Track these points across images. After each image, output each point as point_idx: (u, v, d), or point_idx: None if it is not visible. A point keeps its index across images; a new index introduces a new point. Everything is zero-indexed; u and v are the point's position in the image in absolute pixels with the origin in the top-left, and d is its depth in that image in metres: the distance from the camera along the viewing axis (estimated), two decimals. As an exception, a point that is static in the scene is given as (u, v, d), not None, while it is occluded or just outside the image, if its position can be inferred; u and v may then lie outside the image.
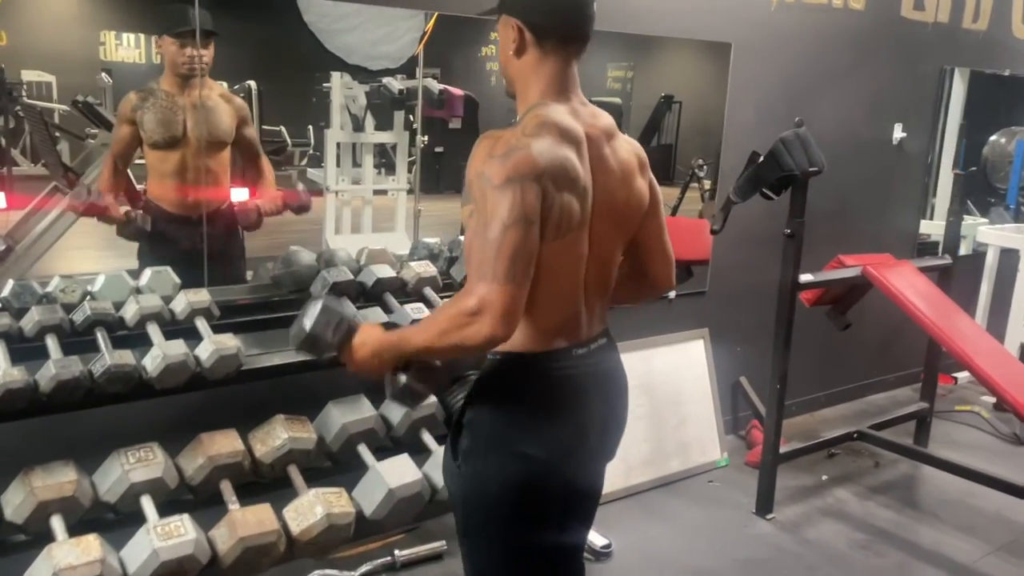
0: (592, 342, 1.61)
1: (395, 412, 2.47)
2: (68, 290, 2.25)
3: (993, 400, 4.54)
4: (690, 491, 3.43)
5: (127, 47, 3.16)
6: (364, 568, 2.69)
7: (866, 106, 4.14)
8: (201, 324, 2.21)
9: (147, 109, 2.56)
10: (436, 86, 3.76)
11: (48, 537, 1.92)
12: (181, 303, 2.22)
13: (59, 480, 1.95)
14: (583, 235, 1.53)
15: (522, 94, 1.58)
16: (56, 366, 1.89)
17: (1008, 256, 4.76)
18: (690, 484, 3.48)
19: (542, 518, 1.58)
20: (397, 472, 2.22)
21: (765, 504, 3.24)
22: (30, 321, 2.04)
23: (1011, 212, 5.51)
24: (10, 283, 2.18)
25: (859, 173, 4.15)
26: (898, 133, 4.34)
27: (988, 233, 4.78)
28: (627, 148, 1.63)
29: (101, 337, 2.08)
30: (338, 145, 3.52)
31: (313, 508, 2.10)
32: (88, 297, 2.25)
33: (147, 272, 2.36)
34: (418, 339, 1.47)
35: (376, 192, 3.60)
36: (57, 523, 1.92)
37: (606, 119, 1.60)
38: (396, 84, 3.57)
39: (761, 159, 2.99)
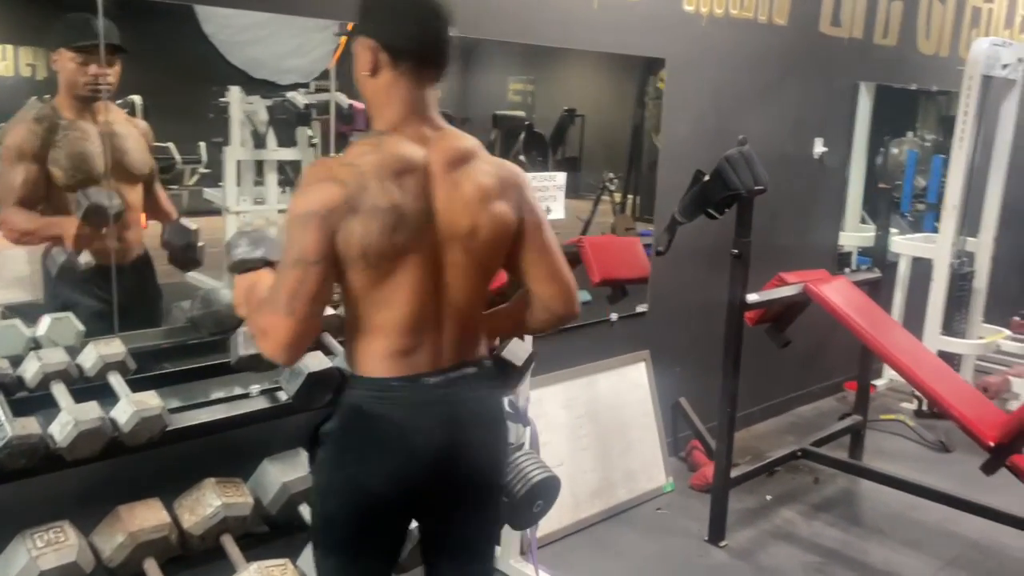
0: (452, 371, 1.59)
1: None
2: (-50, 346, 1.93)
3: (914, 407, 4.65)
4: (640, 520, 3.31)
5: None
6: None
7: (790, 121, 4.16)
8: (115, 380, 1.93)
9: (59, 143, 2.15)
10: (345, 100, 3.58)
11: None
12: (91, 357, 1.93)
13: (-50, 577, 1.65)
14: (408, 263, 1.51)
15: (376, 116, 1.58)
16: (-56, 443, 1.59)
17: (918, 265, 4.90)
18: (639, 513, 3.37)
19: (365, 536, 1.61)
20: (348, 535, 2.00)
21: (717, 531, 3.16)
22: (-94, 389, 1.72)
23: (906, 220, 5.69)
24: None
25: (785, 188, 4.15)
26: (819, 148, 4.38)
27: (901, 244, 4.89)
28: (487, 171, 1.58)
29: (-2, 403, 1.78)
30: (238, 163, 3.27)
31: (256, 585, 1.87)
32: (-25, 352, 1.94)
33: (45, 320, 2.05)
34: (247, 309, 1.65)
35: (282, 211, 3.37)
36: (-52, 629, 1.62)
37: (462, 143, 1.58)
38: (301, 99, 3.35)
39: (706, 178, 2.91)
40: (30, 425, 1.70)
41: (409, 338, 1.54)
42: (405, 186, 1.49)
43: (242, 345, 2.06)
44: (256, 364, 2.06)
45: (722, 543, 3.15)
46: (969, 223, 4.68)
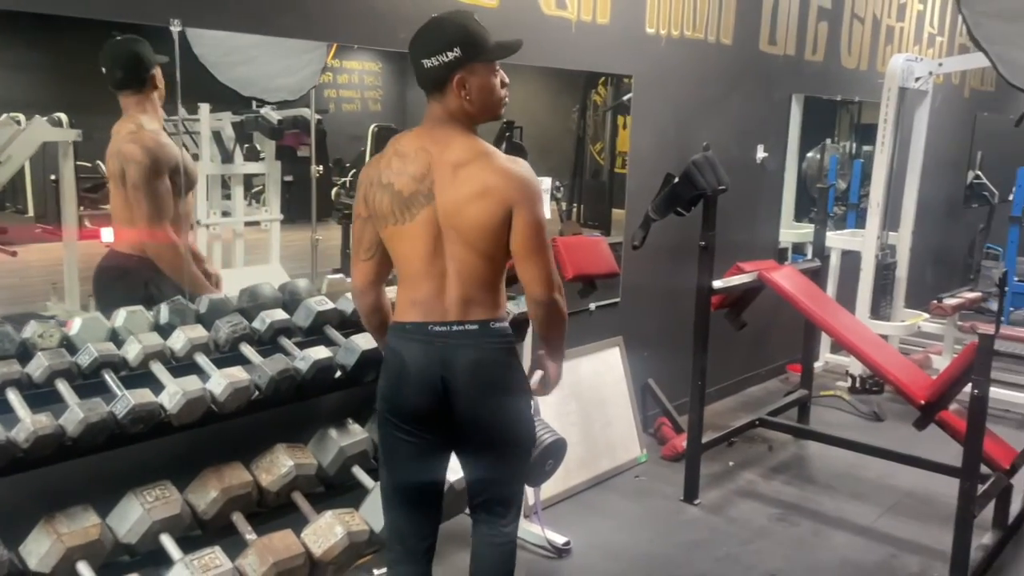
0: (456, 324, 1.99)
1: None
2: (46, 335, 2.18)
3: (848, 385, 5.18)
4: (621, 487, 3.71)
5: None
6: (346, 591, 2.74)
7: (736, 129, 4.64)
8: (202, 359, 2.22)
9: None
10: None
11: (72, 586, 1.89)
12: (180, 340, 2.22)
13: (83, 525, 1.92)
14: (409, 229, 1.96)
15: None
16: (82, 409, 1.87)
17: (847, 257, 5.45)
18: (619, 480, 3.77)
19: (389, 435, 2.09)
20: (402, 488, 2.32)
21: (691, 491, 3.57)
22: (39, 367, 1.99)
23: (831, 219, 6.26)
24: (-13, 331, 2.10)
25: (733, 190, 4.57)
26: (760, 153, 4.88)
27: (833, 238, 5.43)
28: (475, 175, 1.95)
29: (110, 378, 2.05)
30: (207, 177, 3.29)
31: (332, 529, 2.18)
32: (65, 340, 2.21)
33: (121, 313, 2.32)
34: None
35: (248, 224, 3.45)
36: (85, 569, 1.90)
37: (455, 151, 1.97)
38: (274, 115, 3.58)
39: (676, 180, 3.33)
40: (146, 395, 1.98)
41: (419, 290, 1.99)
42: (408, 170, 1.96)
43: None
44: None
45: (696, 501, 3.57)
46: (890, 219, 5.24)
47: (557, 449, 2.85)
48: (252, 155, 3.50)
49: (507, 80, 2.05)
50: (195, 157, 3.03)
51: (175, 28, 2.41)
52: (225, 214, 3.39)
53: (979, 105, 7.24)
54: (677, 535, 3.31)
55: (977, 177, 7.50)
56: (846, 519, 3.48)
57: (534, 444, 2.41)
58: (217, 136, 3.52)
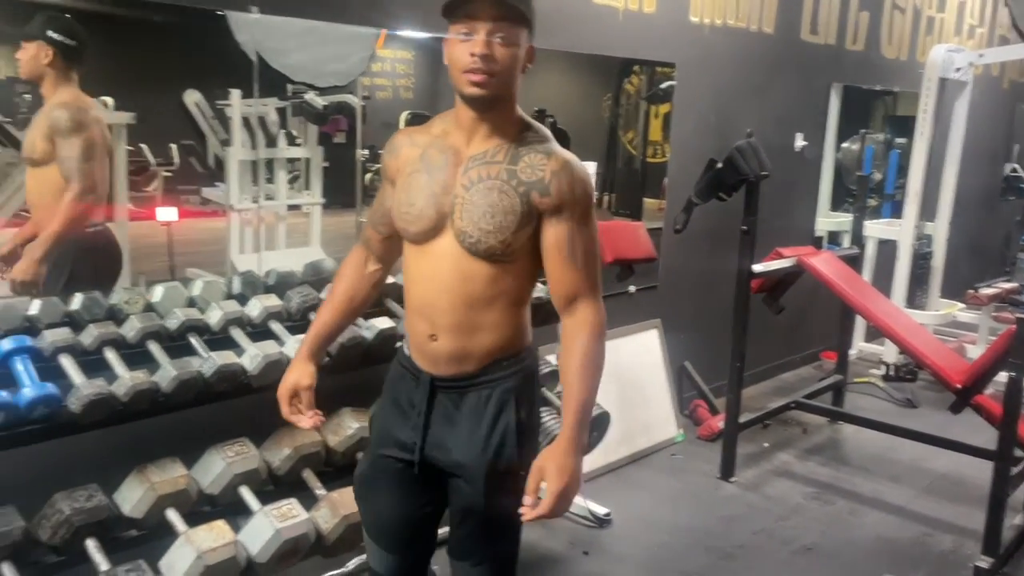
0: None
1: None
2: (132, 301, 2.34)
3: (882, 373, 5.24)
4: (658, 464, 3.83)
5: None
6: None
7: (775, 117, 4.71)
8: (276, 326, 2.37)
9: None
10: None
11: (161, 531, 2.05)
12: (256, 308, 2.37)
13: (172, 475, 2.07)
14: None
15: (515, 104, 1.72)
16: (175, 367, 2.02)
17: (883, 246, 5.50)
18: (656, 458, 3.88)
19: None
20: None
21: (728, 469, 3.68)
22: (132, 328, 2.14)
23: (867, 210, 6.30)
24: (79, 297, 2.25)
25: (772, 177, 4.68)
26: (799, 142, 4.94)
27: (870, 227, 5.48)
28: None
29: (196, 341, 2.20)
30: (248, 162, 3.32)
31: (397, 487, 2.31)
32: (148, 307, 2.36)
33: (198, 283, 2.47)
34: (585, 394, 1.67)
35: (292, 207, 3.53)
36: (174, 516, 2.05)
37: None
38: (319, 100, 3.71)
39: (719, 165, 3.43)
40: (230, 356, 2.13)
41: None
42: None
43: None
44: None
45: (732, 479, 3.67)
46: (927, 209, 5.29)
47: (601, 422, 2.97)
48: (289, 140, 3.65)
49: (477, 50, 1.58)
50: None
51: (254, 14, 2.55)
52: (269, 198, 3.47)
53: (1018, 97, 7.23)
54: (715, 510, 3.42)
55: (1014, 170, 7.49)
56: (880, 499, 3.57)
57: None
58: (261, 121, 3.68)
